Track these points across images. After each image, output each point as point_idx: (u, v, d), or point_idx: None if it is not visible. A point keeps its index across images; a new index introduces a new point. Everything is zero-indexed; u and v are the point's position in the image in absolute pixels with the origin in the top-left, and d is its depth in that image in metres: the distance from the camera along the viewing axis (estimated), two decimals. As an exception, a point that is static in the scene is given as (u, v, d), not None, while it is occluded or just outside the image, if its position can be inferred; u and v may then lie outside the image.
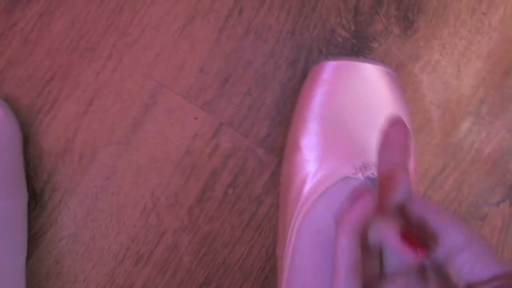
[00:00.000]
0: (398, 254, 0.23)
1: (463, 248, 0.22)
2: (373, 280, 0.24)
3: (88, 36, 0.40)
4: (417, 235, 0.23)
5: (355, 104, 0.33)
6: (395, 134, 0.25)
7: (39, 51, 0.40)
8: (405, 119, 0.35)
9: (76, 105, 0.40)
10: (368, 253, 0.24)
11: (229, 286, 0.40)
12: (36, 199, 0.41)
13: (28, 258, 0.40)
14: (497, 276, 0.21)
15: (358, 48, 0.40)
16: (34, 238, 0.41)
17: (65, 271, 0.41)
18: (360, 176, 0.31)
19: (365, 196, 0.23)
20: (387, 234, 0.23)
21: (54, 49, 0.40)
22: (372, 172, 0.31)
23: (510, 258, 0.40)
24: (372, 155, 0.32)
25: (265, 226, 0.40)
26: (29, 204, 0.40)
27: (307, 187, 0.33)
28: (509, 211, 0.40)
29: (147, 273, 0.41)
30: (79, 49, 0.40)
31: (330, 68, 0.35)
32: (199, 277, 0.40)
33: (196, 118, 0.40)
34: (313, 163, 0.33)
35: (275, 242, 0.40)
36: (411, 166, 0.34)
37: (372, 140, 0.32)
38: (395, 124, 0.25)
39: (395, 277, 0.24)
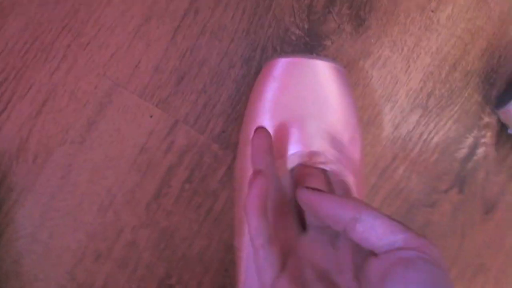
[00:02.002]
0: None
1: (355, 223, 0.26)
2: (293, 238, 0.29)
3: (43, 38, 0.42)
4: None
5: (305, 99, 0.36)
6: (258, 141, 0.31)
7: None
8: (352, 111, 0.38)
9: (29, 106, 0.42)
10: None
11: (189, 279, 0.42)
12: (-9, 200, 0.42)
13: (-15, 259, 0.42)
14: (394, 245, 0.24)
15: (311, 46, 0.43)
16: (-10, 238, 0.43)
17: (24, 270, 0.43)
18: (308, 163, 0.34)
19: (256, 179, 0.28)
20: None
21: (7, 51, 0.42)
22: (320, 160, 0.34)
23: (459, 242, 0.44)
24: (320, 145, 0.35)
25: (222, 219, 0.43)
26: (-16, 205, 0.41)
27: None
28: (457, 197, 0.44)
29: (108, 269, 0.43)
30: (33, 50, 0.42)
31: (281, 65, 0.37)
32: (159, 271, 0.43)
33: (151, 116, 0.42)
34: None
35: (233, 235, 0.42)
36: (358, 156, 0.37)
37: (320, 131, 0.35)
38: (257, 132, 0.32)
39: (309, 232, 0.29)
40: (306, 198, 0.30)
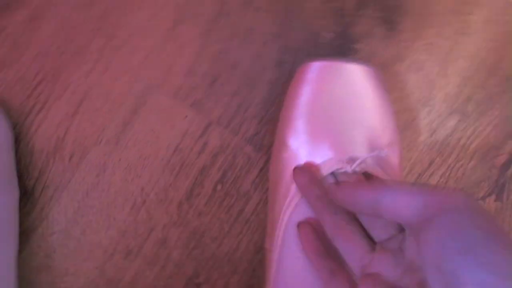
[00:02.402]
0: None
1: (377, 203, 0.26)
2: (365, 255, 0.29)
3: (77, 40, 0.43)
4: None
5: (340, 102, 0.36)
6: (299, 180, 0.34)
7: (29, 55, 0.42)
8: (389, 116, 0.37)
9: (66, 106, 0.43)
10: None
11: (217, 279, 0.43)
12: (27, 195, 0.43)
13: (19, 252, 0.43)
14: (418, 210, 0.23)
15: (343, 49, 0.43)
16: (25, 233, 0.44)
17: (55, 265, 0.44)
18: (347, 169, 0.33)
19: (301, 229, 0.33)
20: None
21: (43, 52, 0.43)
22: (358, 165, 0.34)
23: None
24: (357, 150, 0.34)
25: (253, 221, 0.43)
26: (20, 201, 0.43)
27: (295, 185, 0.35)
28: (494, 205, 0.43)
29: (137, 266, 0.43)
30: (67, 52, 0.43)
31: (315, 68, 0.37)
32: (188, 270, 0.43)
33: (186, 117, 0.43)
34: (300, 160, 0.36)
35: (263, 236, 0.43)
36: (397, 161, 0.37)
37: (357, 136, 0.35)
38: (295, 173, 0.34)
39: (380, 247, 0.29)
40: (332, 195, 0.30)
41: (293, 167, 0.36)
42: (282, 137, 0.38)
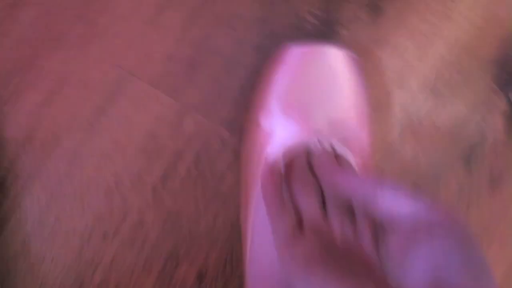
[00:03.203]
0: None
1: (376, 196, 0.28)
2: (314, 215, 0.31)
3: (57, 27, 0.42)
4: None
5: (314, 84, 0.38)
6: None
7: (5, 43, 0.42)
8: (362, 99, 0.40)
9: (40, 94, 0.43)
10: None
11: (197, 254, 0.45)
12: (-2, 186, 0.43)
13: (-6, 242, 0.44)
14: (416, 213, 0.26)
15: (326, 35, 0.45)
16: (-2, 223, 0.44)
17: (32, 252, 0.45)
18: (318, 148, 0.36)
19: (270, 169, 0.34)
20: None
21: (21, 40, 0.42)
22: (329, 145, 0.36)
23: (463, 216, 0.47)
24: (327, 127, 0.37)
25: (228, 200, 0.45)
26: (-8, 192, 0.43)
27: (267, 160, 0.37)
28: (463, 174, 0.47)
29: (115, 248, 0.45)
30: (45, 40, 0.42)
31: (293, 53, 0.39)
32: (166, 248, 0.45)
33: (160, 103, 0.44)
34: (271, 138, 0.38)
35: (238, 213, 0.45)
36: (366, 141, 0.40)
37: (329, 118, 0.37)
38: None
39: (332, 212, 0.31)
40: (330, 174, 0.32)
41: (265, 146, 0.38)
42: (255, 117, 0.40)
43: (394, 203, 0.27)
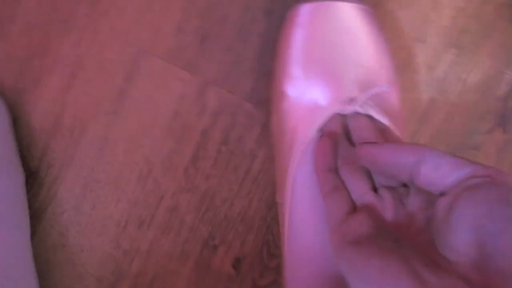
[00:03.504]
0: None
1: (419, 167, 0.26)
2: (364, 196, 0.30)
3: (61, 8, 0.42)
4: None
5: (334, 43, 0.35)
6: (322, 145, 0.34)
7: (14, 30, 0.42)
8: (385, 54, 0.37)
9: (60, 80, 0.43)
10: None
11: (233, 239, 0.44)
12: (33, 177, 0.44)
13: (32, 234, 0.44)
14: (462, 179, 0.24)
15: None
16: (36, 214, 0.45)
17: (70, 242, 0.45)
18: (349, 109, 0.34)
19: (323, 138, 0.32)
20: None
21: (28, 25, 0.42)
22: (359, 103, 0.34)
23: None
24: (356, 90, 0.34)
25: (261, 178, 0.43)
26: (26, 183, 0.43)
27: (301, 130, 0.35)
28: (501, 137, 0.43)
29: (151, 235, 0.44)
30: (53, 22, 0.42)
31: (305, 11, 0.36)
32: (203, 233, 0.44)
33: (181, 80, 0.43)
34: (300, 107, 0.36)
35: (273, 193, 0.43)
36: (396, 98, 0.37)
37: (355, 76, 0.35)
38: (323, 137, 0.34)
39: (383, 191, 0.30)
40: (366, 153, 0.30)
41: (294, 115, 0.36)
42: (279, 87, 0.38)
43: (438, 172, 0.25)
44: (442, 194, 0.26)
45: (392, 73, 0.37)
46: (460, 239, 0.23)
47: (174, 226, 0.44)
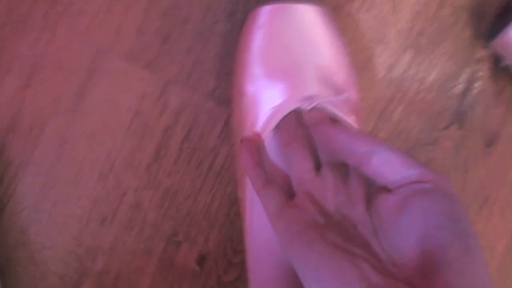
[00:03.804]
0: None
1: (370, 157, 0.27)
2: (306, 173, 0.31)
3: (17, 9, 0.41)
4: None
5: (294, 43, 0.36)
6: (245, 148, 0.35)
7: None
8: (343, 54, 0.38)
9: (17, 80, 0.42)
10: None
11: (196, 235, 0.44)
12: (-10, 175, 0.43)
13: (-8, 232, 0.44)
14: (410, 180, 0.26)
15: None
16: (-5, 212, 0.44)
17: (31, 240, 0.45)
18: (306, 107, 0.34)
19: (244, 141, 0.34)
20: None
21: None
22: (316, 102, 0.35)
23: (462, 178, 0.45)
24: (314, 89, 0.35)
25: (224, 174, 0.44)
26: (-16, 181, 0.43)
27: (258, 127, 0.36)
28: (457, 133, 0.45)
29: (114, 232, 0.44)
30: (9, 23, 0.42)
31: (265, 12, 0.37)
32: (166, 229, 0.44)
33: (141, 79, 0.43)
34: (260, 104, 0.37)
35: (235, 188, 0.44)
36: (355, 96, 0.38)
37: (313, 75, 0.36)
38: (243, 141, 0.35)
39: (326, 172, 0.31)
40: (323, 131, 0.31)
41: (252, 113, 0.37)
42: (239, 85, 0.38)
43: (388, 166, 0.27)
44: (385, 188, 0.27)
45: (350, 71, 0.38)
46: (408, 244, 0.24)
47: (137, 223, 0.44)
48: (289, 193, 0.31)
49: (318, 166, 0.32)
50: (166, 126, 0.43)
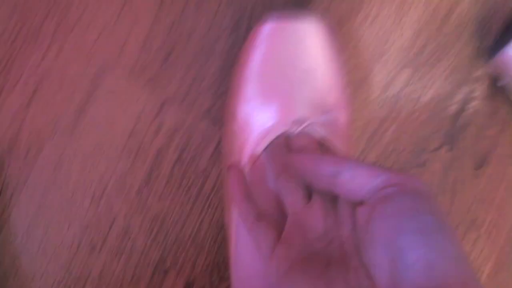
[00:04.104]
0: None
1: (337, 177, 0.27)
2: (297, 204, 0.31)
3: (28, 25, 0.44)
4: None
5: (289, 64, 0.37)
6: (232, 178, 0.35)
7: None
8: (338, 75, 0.38)
9: (20, 97, 0.44)
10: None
11: (184, 262, 0.43)
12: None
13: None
14: (378, 188, 0.25)
15: (299, 5, 0.44)
16: (-12, 241, 0.45)
17: (22, 269, 0.44)
18: (293, 130, 0.35)
19: (230, 171, 0.34)
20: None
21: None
22: (306, 125, 0.35)
23: (450, 200, 0.44)
24: (305, 111, 0.36)
25: (213, 198, 0.44)
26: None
27: (246, 151, 0.36)
28: (447, 155, 0.44)
29: (103, 260, 0.44)
30: (19, 38, 0.44)
31: (265, 32, 0.37)
32: (154, 256, 0.44)
33: (139, 98, 0.44)
34: (250, 128, 0.37)
35: (223, 212, 0.44)
36: (344, 120, 0.39)
37: (305, 97, 0.36)
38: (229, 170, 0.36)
39: (316, 199, 0.30)
40: (292, 162, 0.31)
41: (242, 136, 0.37)
42: (232, 108, 0.39)
43: (356, 182, 0.27)
44: (361, 203, 0.27)
45: (343, 94, 0.39)
46: (376, 254, 0.24)
47: (126, 249, 0.44)
48: (278, 224, 0.31)
49: (310, 193, 0.32)
50: (159, 147, 0.44)
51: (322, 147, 0.36)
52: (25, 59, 0.45)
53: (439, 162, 0.44)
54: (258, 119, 0.37)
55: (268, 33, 0.37)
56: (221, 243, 0.43)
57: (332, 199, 0.30)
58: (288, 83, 0.37)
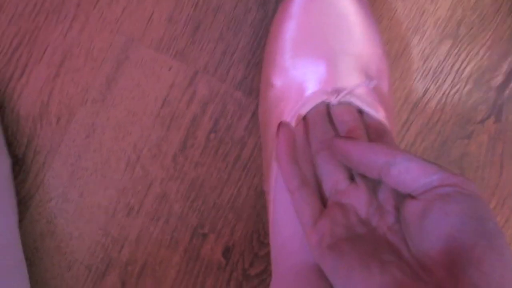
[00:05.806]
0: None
1: (389, 168, 0.27)
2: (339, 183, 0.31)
3: None
4: None
5: (325, 33, 0.36)
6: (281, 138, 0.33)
7: (3, 19, 0.43)
8: (377, 42, 0.37)
9: (47, 68, 0.43)
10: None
11: (222, 227, 0.45)
12: (19, 163, 0.45)
13: (20, 221, 0.45)
14: (431, 186, 0.26)
15: None
16: (23, 201, 0.46)
17: (58, 230, 0.46)
18: (333, 100, 0.35)
19: (282, 129, 0.32)
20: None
21: (18, 14, 0.43)
22: (348, 92, 0.35)
23: (497, 172, 0.45)
24: (345, 80, 0.35)
25: (250, 166, 0.44)
26: (13, 169, 0.44)
27: (285, 119, 0.36)
28: (494, 127, 0.44)
29: (140, 223, 0.45)
30: (43, 12, 0.43)
31: (297, 2, 0.37)
32: (192, 221, 0.45)
33: (170, 69, 0.43)
34: (287, 96, 0.37)
35: (262, 180, 0.44)
36: (386, 88, 0.38)
37: (344, 66, 0.36)
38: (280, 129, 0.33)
39: (359, 180, 0.31)
40: (339, 147, 0.31)
41: (279, 105, 0.37)
42: (267, 77, 0.38)
43: (408, 175, 0.27)
44: (410, 195, 0.27)
45: (384, 62, 0.38)
46: (433, 247, 0.24)
47: (163, 213, 0.45)
48: (320, 196, 0.32)
49: (351, 175, 0.32)
50: (193, 116, 0.44)
51: (363, 118, 0.35)
52: (50, 32, 0.43)
53: (486, 134, 0.44)
54: (295, 87, 0.36)
55: (302, 3, 0.36)
56: (260, 210, 0.45)
57: (373, 186, 0.31)
58: (326, 52, 0.36)
